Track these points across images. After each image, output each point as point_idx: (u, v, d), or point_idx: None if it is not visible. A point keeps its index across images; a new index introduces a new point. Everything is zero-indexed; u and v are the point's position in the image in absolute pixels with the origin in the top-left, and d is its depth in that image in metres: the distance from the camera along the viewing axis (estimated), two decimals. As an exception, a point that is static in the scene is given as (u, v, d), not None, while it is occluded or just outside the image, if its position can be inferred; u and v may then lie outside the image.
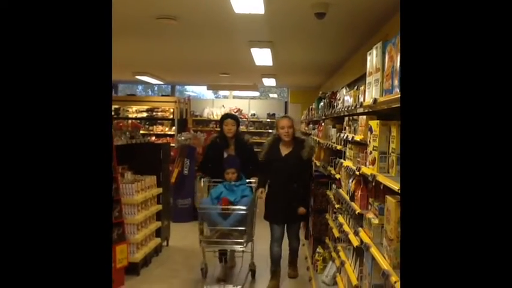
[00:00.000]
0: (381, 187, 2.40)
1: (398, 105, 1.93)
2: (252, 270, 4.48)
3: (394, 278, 1.83)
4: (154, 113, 12.02)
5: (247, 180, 4.43)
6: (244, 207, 4.04)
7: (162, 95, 13.74)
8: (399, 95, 1.85)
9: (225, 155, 4.57)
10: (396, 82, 2.02)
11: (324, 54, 6.44)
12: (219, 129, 4.88)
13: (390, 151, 2.32)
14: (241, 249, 4.10)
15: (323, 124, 5.31)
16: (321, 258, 4.38)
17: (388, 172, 2.32)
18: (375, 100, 2.26)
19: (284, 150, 4.21)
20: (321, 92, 6.64)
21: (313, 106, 7.08)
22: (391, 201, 2.02)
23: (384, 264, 2.02)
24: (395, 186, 1.87)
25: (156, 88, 23.76)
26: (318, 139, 5.84)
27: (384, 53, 2.25)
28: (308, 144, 4.19)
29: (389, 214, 2.05)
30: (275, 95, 17.16)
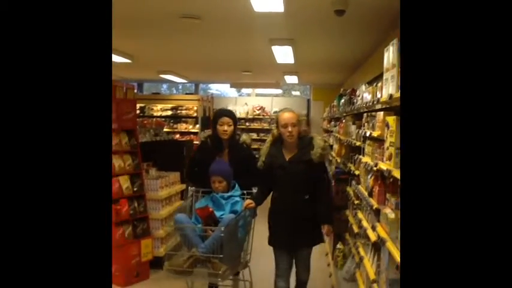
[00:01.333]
0: (399, 183, 2.43)
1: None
2: None
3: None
4: (178, 111, 12.21)
5: (242, 192, 3.47)
6: (219, 229, 3.07)
7: (186, 93, 13.94)
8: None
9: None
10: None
11: (344, 51, 6.44)
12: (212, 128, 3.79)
13: (406, 147, 2.34)
14: (218, 282, 3.19)
15: (344, 121, 5.34)
16: (341, 254, 4.42)
17: (405, 167, 2.35)
18: (391, 96, 2.30)
19: (288, 154, 3.22)
20: (342, 89, 6.66)
21: (335, 103, 7.10)
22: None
23: (399, 257, 2.05)
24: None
25: (180, 87, 24.10)
26: (339, 136, 5.87)
27: (399, 50, 2.27)
28: (318, 143, 3.18)
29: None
30: (298, 93, 17.18)
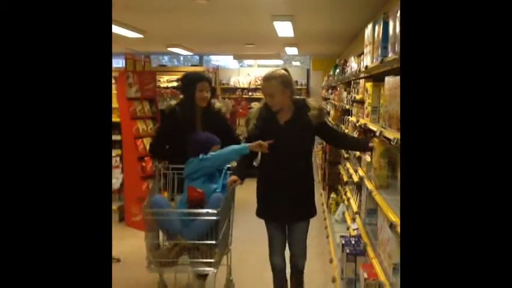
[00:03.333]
0: (371, 134, 3.13)
1: (383, 69, 2.64)
2: None
3: (374, 193, 2.58)
4: (184, 83, 12.84)
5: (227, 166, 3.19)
6: (214, 211, 2.76)
7: (192, 65, 14.46)
8: (381, 62, 2.55)
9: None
10: (380, 52, 2.71)
11: (340, 25, 7.05)
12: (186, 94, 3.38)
13: (380, 105, 3.04)
14: (212, 271, 2.83)
15: (338, 89, 6.02)
16: (334, 202, 5.18)
17: (379, 122, 3.04)
18: (366, 67, 2.98)
19: (282, 117, 2.93)
20: (337, 60, 7.29)
21: (331, 73, 7.75)
22: (375, 141, 2.76)
23: (370, 185, 2.78)
24: (375, 127, 2.62)
25: (182, 58, 24.49)
26: (334, 102, 6.56)
27: (374, 31, 2.93)
28: (312, 104, 2.94)
29: (375, 150, 2.79)
30: (298, 63, 17.68)
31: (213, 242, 2.78)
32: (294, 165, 2.92)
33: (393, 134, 2.17)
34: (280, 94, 2.86)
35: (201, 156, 3.02)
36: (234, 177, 2.92)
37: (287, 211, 2.94)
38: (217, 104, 3.46)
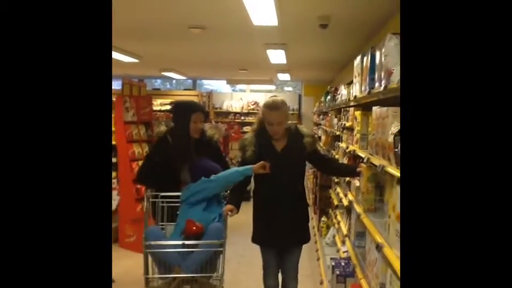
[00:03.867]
0: (360, 160, 3.28)
1: (371, 99, 2.81)
2: None
3: (363, 216, 2.72)
4: (177, 106, 13.00)
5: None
6: (217, 242, 2.74)
7: (185, 89, 14.68)
8: (369, 93, 2.72)
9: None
10: (367, 83, 2.89)
11: (331, 54, 7.31)
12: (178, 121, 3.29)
13: (368, 133, 3.20)
14: None
15: (329, 115, 6.21)
16: (325, 225, 5.30)
17: (367, 148, 3.20)
18: (355, 96, 3.15)
19: (279, 144, 3.03)
20: (329, 87, 7.52)
21: (322, 99, 7.97)
22: (363, 166, 2.91)
23: (358, 209, 2.91)
24: (363, 154, 2.77)
25: (174, 82, 24.71)
26: (325, 128, 6.75)
27: (362, 63, 3.12)
28: (305, 131, 3.11)
29: (362, 175, 2.94)
30: (290, 88, 17.99)
31: (217, 274, 2.78)
32: (291, 190, 3.04)
33: (379, 161, 2.32)
34: (286, 121, 3.03)
35: (203, 178, 3.01)
36: (230, 207, 2.92)
37: (284, 236, 3.02)
38: (209, 131, 3.39)
